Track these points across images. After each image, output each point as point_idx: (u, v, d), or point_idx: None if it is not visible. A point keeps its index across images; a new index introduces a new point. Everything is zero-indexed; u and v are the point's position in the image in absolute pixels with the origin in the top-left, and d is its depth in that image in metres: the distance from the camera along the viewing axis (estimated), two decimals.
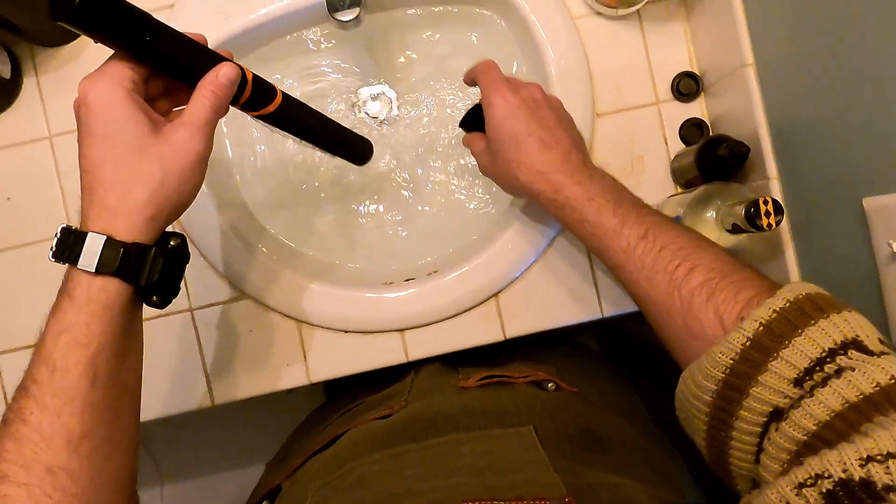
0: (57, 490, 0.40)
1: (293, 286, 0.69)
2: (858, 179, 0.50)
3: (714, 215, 0.59)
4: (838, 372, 0.38)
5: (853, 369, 0.37)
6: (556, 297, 0.70)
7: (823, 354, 0.39)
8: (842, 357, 0.39)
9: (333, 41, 0.75)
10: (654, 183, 0.71)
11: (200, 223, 0.69)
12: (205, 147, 0.45)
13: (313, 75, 0.76)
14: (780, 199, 0.60)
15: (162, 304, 0.47)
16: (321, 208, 0.76)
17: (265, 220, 0.74)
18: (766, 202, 0.52)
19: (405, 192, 0.76)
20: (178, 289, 0.48)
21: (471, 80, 0.63)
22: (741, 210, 0.53)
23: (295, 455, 0.65)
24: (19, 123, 0.70)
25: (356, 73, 0.76)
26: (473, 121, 0.62)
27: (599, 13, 0.70)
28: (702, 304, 0.46)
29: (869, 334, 0.40)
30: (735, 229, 0.56)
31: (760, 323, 0.41)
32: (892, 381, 0.36)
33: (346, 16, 0.63)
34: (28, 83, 0.70)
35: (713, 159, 0.62)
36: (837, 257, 0.55)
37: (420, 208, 0.76)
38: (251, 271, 0.69)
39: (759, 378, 0.41)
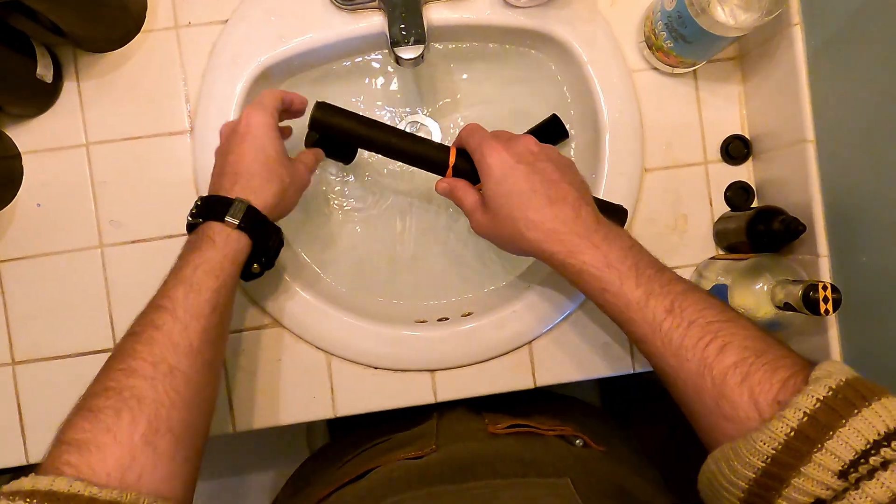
0: (173, 389, 0.47)
1: (325, 318, 0.68)
2: None
3: (763, 287, 0.59)
4: (884, 464, 0.37)
5: None
6: (589, 349, 0.69)
7: (868, 447, 0.38)
8: (886, 449, 0.38)
9: (390, 67, 0.74)
10: (695, 242, 0.71)
11: None
12: (308, 181, 0.63)
13: (362, 98, 0.74)
14: (828, 277, 0.60)
15: (261, 271, 0.59)
16: (356, 240, 0.74)
17: (302, 250, 0.73)
18: (825, 287, 0.52)
19: (444, 231, 0.75)
20: (274, 264, 0.61)
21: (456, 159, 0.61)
22: (798, 291, 0.53)
23: (317, 487, 0.64)
24: (56, 128, 0.67)
25: (401, 99, 0.75)
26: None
27: (656, 68, 0.70)
28: (735, 386, 0.45)
29: None
30: (787, 307, 0.56)
31: (804, 413, 0.40)
32: None
33: (408, 53, 0.62)
34: (68, 87, 0.68)
35: (765, 231, 0.62)
36: (888, 347, 0.55)
37: (456, 245, 0.75)
38: (285, 300, 0.68)
39: (801, 469, 0.40)
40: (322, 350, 0.68)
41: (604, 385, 1.21)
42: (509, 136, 0.58)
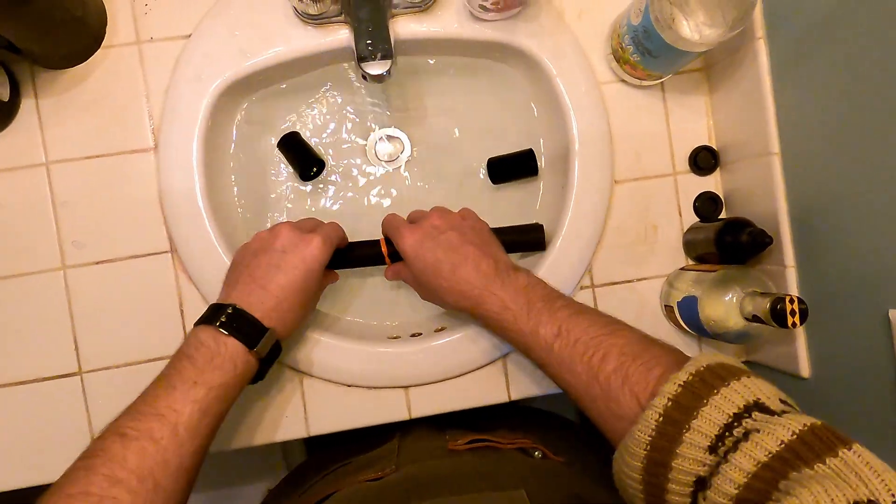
0: (147, 495, 0.47)
1: (297, 336, 0.67)
2: (887, 290, 0.51)
3: (733, 299, 0.60)
4: (746, 435, 0.40)
5: (758, 430, 0.40)
6: None
7: (730, 420, 0.42)
8: (747, 420, 0.41)
9: (356, 82, 0.73)
10: (665, 252, 0.71)
11: (205, 266, 0.66)
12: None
13: (330, 109, 0.74)
14: (795, 287, 0.61)
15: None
16: None
17: None
18: (792, 301, 0.53)
19: None
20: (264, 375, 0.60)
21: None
22: (766, 304, 0.54)
23: None
24: (13, 147, 0.65)
25: (369, 110, 0.74)
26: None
27: (623, 80, 0.70)
28: (618, 388, 0.49)
29: (770, 395, 0.43)
30: (755, 319, 0.57)
31: (668, 398, 0.44)
32: (795, 437, 0.38)
33: (375, 69, 0.61)
34: (26, 105, 0.66)
35: (733, 242, 0.62)
36: (853, 358, 0.56)
37: None
38: None
39: (677, 451, 0.43)
40: (294, 369, 0.67)
41: None
42: (418, 217, 0.64)
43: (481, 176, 0.75)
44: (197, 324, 0.56)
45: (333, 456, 0.71)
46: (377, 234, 0.68)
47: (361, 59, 0.62)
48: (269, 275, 0.57)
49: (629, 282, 0.71)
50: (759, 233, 0.60)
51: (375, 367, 0.68)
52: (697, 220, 0.71)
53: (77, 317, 0.66)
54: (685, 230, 0.71)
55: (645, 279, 0.71)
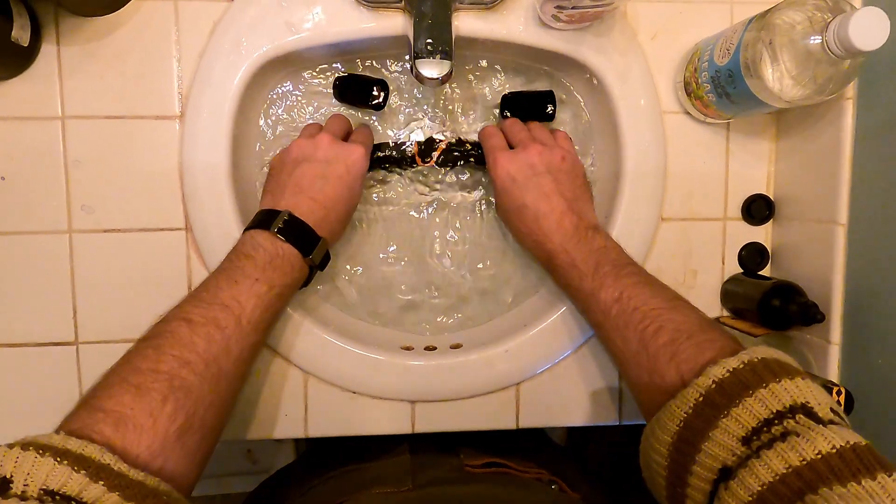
0: (215, 392, 0.48)
1: (306, 336, 0.63)
2: None
3: None
4: (784, 435, 0.38)
5: (798, 434, 0.38)
6: (577, 396, 0.67)
7: (771, 416, 0.40)
8: (789, 421, 0.39)
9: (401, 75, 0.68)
10: (701, 299, 0.68)
11: (221, 249, 0.62)
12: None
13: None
14: (836, 367, 0.58)
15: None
16: (344, 254, 0.70)
17: None
18: (839, 393, 0.50)
19: (441, 258, 0.71)
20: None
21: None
22: None
23: None
24: (29, 95, 0.60)
25: (408, 104, 0.69)
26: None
27: (688, 112, 0.65)
28: (666, 362, 0.48)
29: (821, 402, 0.41)
30: None
31: (713, 380, 0.43)
32: (835, 451, 0.36)
33: (432, 70, 0.56)
34: (47, 51, 0.60)
35: (780, 308, 0.59)
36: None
37: (457, 277, 0.71)
38: None
39: (710, 434, 0.42)
40: (299, 368, 0.64)
41: None
42: (517, 140, 0.62)
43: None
44: (248, 228, 0.56)
45: (335, 457, 0.69)
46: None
47: (417, 55, 0.56)
48: (317, 185, 0.58)
49: None
50: (811, 306, 0.57)
51: (383, 377, 0.65)
52: (740, 270, 0.68)
53: (79, 285, 0.62)
54: (725, 279, 0.68)
55: None
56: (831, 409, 0.41)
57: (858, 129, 0.56)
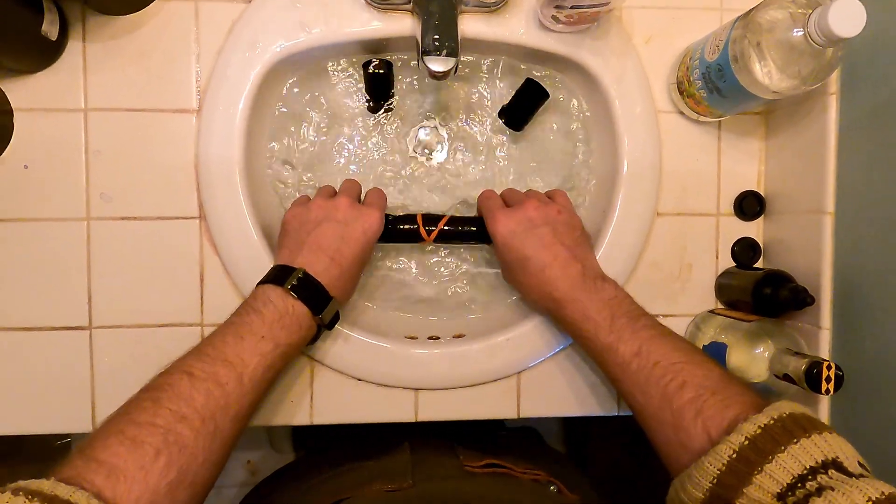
0: (209, 448, 0.47)
1: None
2: None
3: (765, 353, 0.59)
4: (819, 490, 0.39)
5: (833, 489, 0.38)
6: (577, 387, 0.68)
7: (805, 472, 0.41)
8: (822, 476, 0.40)
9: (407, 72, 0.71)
10: (696, 293, 0.70)
11: (233, 238, 0.65)
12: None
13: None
14: (828, 350, 0.60)
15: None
16: None
17: None
18: (829, 367, 0.52)
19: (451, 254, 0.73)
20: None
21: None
22: (801, 366, 0.53)
23: None
24: (54, 88, 0.63)
25: (413, 103, 0.72)
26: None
27: (682, 112, 0.69)
28: (691, 419, 0.48)
29: (849, 456, 0.42)
30: (786, 378, 0.56)
31: (746, 437, 0.43)
32: (870, 503, 0.37)
33: (439, 65, 0.59)
34: (73, 47, 0.63)
35: (771, 295, 0.61)
36: (878, 428, 0.55)
37: (465, 267, 0.73)
38: None
39: (744, 490, 0.42)
40: (306, 355, 0.66)
41: None
42: (516, 200, 0.64)
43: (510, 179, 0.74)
44: (263, 282, 0.57)
45: (335, 454, 0.70)
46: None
47: (426, 52, 0.60)
48: (335, 245, 0.58)
49: (656, 316, 0.69)
50: (801, 290, 0.59)
51: (388, 365, 0.66)
52: (733, 264, 0.70)
53: (94, 270, 0.64)
54: (719, 273, 0.70)
55: (672, 316, 0.69)
56: (859, 463, 0.42)
57: (842, 122, 0.59)
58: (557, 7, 0.60)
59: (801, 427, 0.43)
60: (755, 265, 0.70)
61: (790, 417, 0.44)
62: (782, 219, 0.67)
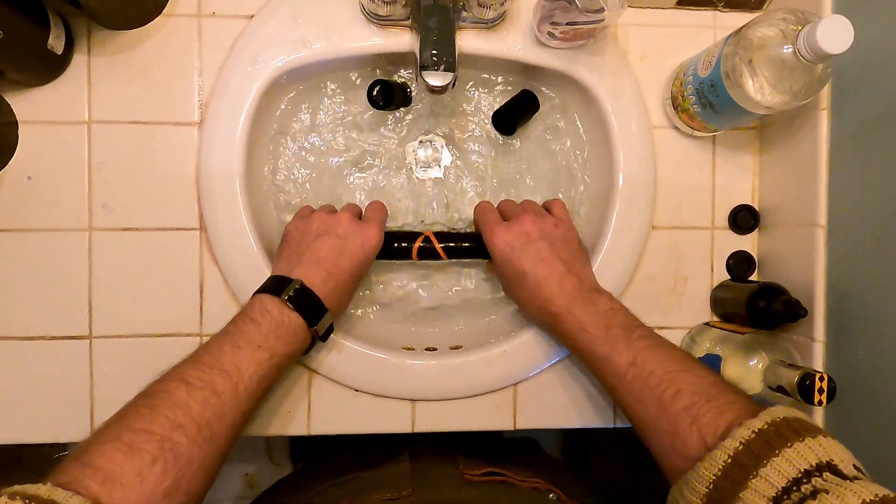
0: (205, 455, 0.48)
1: None
2: None
3: (759, 365, 0.60)
4: (814, 493, 0.39)
5: (828, 492, 0.39)
6: (573, 398, 0.69)
7: (800, 475, 0.41)
8: (817, 479, 0.41)
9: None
10: (691, 305, 0.71)
11: (233, 249, 0.65)
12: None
13: (371, 112, 0.73)
14: (821, 363, 0.61)
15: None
16: None
17: None
18: (822, 378, 0.52)
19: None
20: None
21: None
22: (794, 377, 0.54)
23: None
24: (59, 101, 0.65)
25: (412, 117, 0.74)
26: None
27: (676, 127, 0.70)
28: (687, 427, 0.49)
29: (843, 459, 0.42)
30: (779, 390, 0.56)
31: (741, 442, 0.44)
32: None
33: (437, 79, 0.60)
34: (78, 60, 0.65)
35: (765, 308, 0.62)
36: (871, 440, 0.56)
37: (460, 279, 0.74)
38: None
39: (740, 494, 0.42)
40: (304, 366, 0.66)
41: None
42: (511, 214, 0.65)
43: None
44: (259, 292, 0.58)
45: (335, 464, 0.70)
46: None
47: (424, 67, 0.61)
48: (333, 258, 0.59)
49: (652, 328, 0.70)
50: (794, 303, 0.59)
51: (385, 376, 0.67)
52: (728, 277, 0.71)
53: (95, 281, 0.65)
54: (714, 286, 0.70)
55: (668, 328, 0.70)
56: (854, 466, 0.42)
57: (833, 137, 0.60)
58: (553, 24, 0.61)
59: (795, 431, 0.43)
60: (750, 278, 0.70)
61: (784, 422, 0.44)
62: (776, 232, 0.68)
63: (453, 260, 0.70)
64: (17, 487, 0.40)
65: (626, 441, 1.08)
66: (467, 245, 0.68)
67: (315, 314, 0.57)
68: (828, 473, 0.41)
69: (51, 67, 0.63)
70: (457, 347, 0.69)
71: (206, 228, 0.66)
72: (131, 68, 0.65)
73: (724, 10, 0.69)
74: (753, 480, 0.42)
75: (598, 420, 0.69)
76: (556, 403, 0.69)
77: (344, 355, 0.66)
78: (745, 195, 0.71)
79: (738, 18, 0.69)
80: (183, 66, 0.66)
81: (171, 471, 0.45)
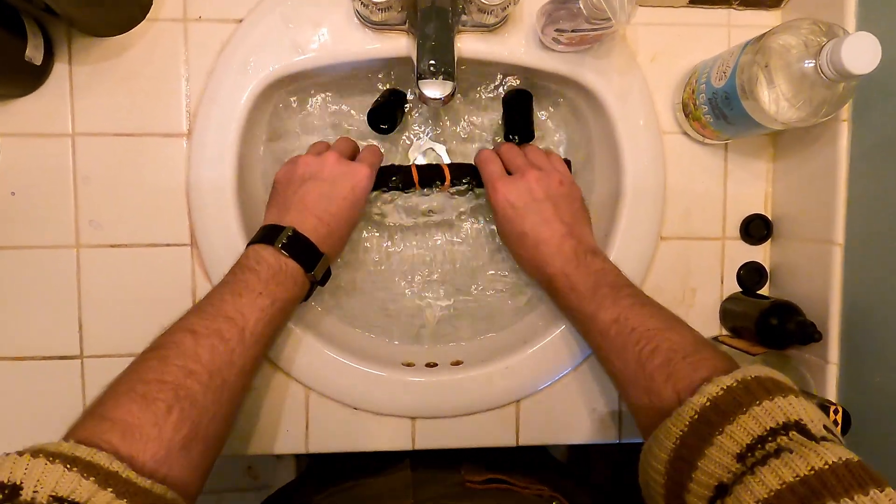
0: (219, 402, 0.49)
1: (308, 351, 0.64)
2: None
3: None
4: (777, 452, 0.39)
5: (791, 451, 0.38)
6: (577, 414, 0.67)
7: (765, 433, 0.40)
8: (783, 437, 0.40)
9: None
10: (700, 318, 0.68)
11: (226, 265, 0.63)
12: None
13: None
14: (834, 386, 0.59)
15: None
16: (350, 269, 0.71)
17: None
18: (836, 411, 0.50)
19: (444, 268, 0.72)
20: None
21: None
22: None
23: None
24: (41, 112, 0.62)
25: (412, 121, 0.71)
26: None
27: (686, 133, 0.66)
28: (662, 382, 0.49)
29: (814, 419, 0.41)
30: None
31: (708, 398, 0.44)
32: (827, 467, 0.36)
33: (435, 90, 0.57)
34: (59, 69, 0.62)
35: (778, 327, 0.60)
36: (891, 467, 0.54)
37: (459, 294, 0.72)
38: None
39: (705, 451, 0.42)
40: (301, 383, 0.65)
41: None
42: (515, 167, 0.63)
43: None
44: (253, 243, 0.57)
45: (337, 473, 0.69)
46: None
47: (421, 76, 0.58)
48: (322, 204, 0.58)
49: None
50: (808, 325, 0.57)
51: (385, 393, 0.65)
52: (738, 289, 0.68)
53: (85, 299, 0.63)
54: (724, 298, 0.68)
55: None
56: (824, 427, 0.41)
57: (853, 150, 0.57)
58: (559, 30, 0.58)
59: (766, 389, 0.43)
60: (761, 290, 0.68)
61: (756, 380, 0.43)
62: (790, 244, 0.65)
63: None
64: (38, 445, 0.40)
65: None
66: (470, 165, 0.67)
67: (310, 259, 0.57)
68: (794, 433, 0.40)
69: (30, 78, 0.60)
70: (458, 363, 0.67)
71: (198, 243, 0.64)
72: (115, 77, 0.62)
73: (740, 7, 0.66)
74: (719, 437, 0.42)
75: (602, 436, 0.68)
76: (560, 419, 0.67)
77: (341, 372, 0.64)
78: (758, 203, 0.68)
79: (753, 17, 0.65)
80: (169, 73, 0.63)
81: (188, 418, 0.46)
